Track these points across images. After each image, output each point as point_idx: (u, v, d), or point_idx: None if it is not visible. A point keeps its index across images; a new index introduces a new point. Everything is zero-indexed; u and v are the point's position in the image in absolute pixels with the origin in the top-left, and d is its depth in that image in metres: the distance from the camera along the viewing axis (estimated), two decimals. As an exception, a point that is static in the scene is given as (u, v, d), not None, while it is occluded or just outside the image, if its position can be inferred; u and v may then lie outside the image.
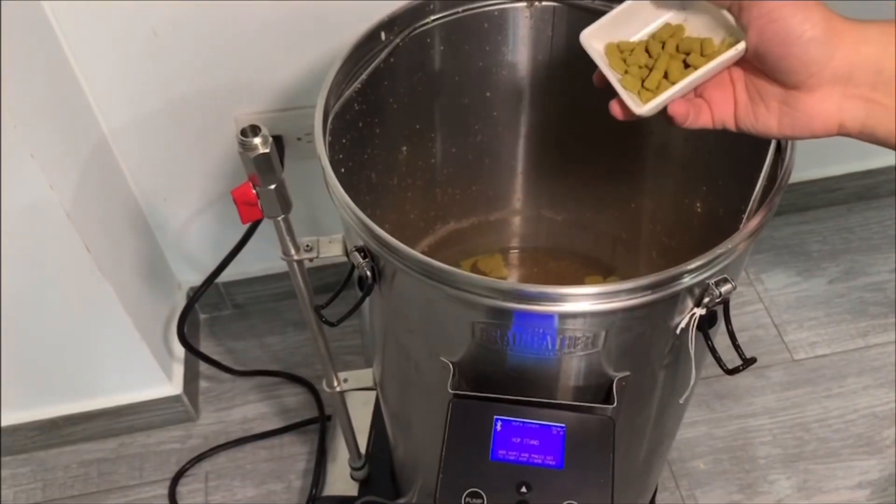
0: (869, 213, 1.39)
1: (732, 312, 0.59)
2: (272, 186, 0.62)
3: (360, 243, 0.60)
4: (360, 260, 0.60)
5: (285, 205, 0.64)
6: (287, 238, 0.68)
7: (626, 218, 0.92)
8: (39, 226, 0.86)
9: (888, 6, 1.11)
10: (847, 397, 1.17)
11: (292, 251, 0.69)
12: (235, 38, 0.93)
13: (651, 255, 0.91)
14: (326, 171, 0.59)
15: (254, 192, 0.62)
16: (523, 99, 0.84)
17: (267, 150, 0.59)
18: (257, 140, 0.59)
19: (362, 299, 0.63)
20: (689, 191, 0.80)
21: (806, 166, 1.33)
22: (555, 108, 0.85)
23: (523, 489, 0.58)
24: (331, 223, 1.18)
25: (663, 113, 0.55)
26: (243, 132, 0.58)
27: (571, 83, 0.82)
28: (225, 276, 1.22)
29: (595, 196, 0.93)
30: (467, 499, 0.57)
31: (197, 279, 1.21)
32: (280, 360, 1.25)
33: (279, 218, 0.65)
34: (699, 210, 0.80)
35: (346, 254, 0.67)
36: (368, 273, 0.60)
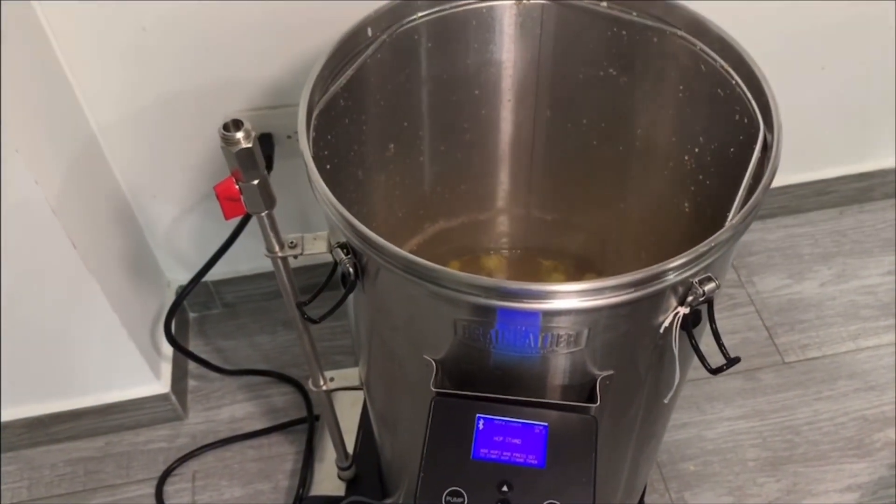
0: (861, 216, 1.39)
1: (724, 314, 0.59)
2: (255, 182, 0.62)
3: (343, 239, 0.60)
4: (343, 256, 0.60)
5: (269, 200, 0.64)
6: (271, 234, 0.67)
7: (615, 218, 0.91)
8: (25, 222, 0.86)
9: (888, 6, 1.11)
10: (837, 400, 1.17)
11: (276, 248, 0.69)
12: (225, 34, 0.92)
13: (640, 256, 0.91)
14: (308, 165, 0.59)
15: (236, 187, 0.62)
16: (512, 97, 0.84)
17: (249, 145, 0.59)
18: (240, 134, 0.58)
19: (345, 296, 0.62)
20: (676, 191, 0.80)
21: (799, 169, 1.33)
22: (544, 106, 0.85)
23: (504, 488, 0.57)
24: (322, 223, 1.17)
25: None
26: (225, 126, 0.58)
27: (560, 82, 0.82)
28: (215, 275, 1.22)
29: (584, 196, 0.93)
30: (448, 498, 0.57)
31: (186, 277, 1.20)
32: (269, 360, 1.24)
33: (262, 214, 0.65)
34: (687, 210, 0.80)
35: (331, 251, 0.67)
36: (351, 270, 0.60)
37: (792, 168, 1.32)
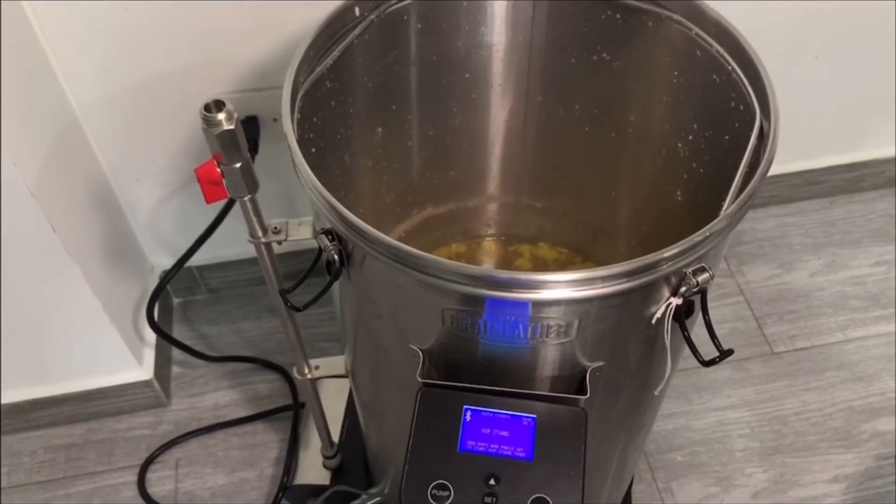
0: (852, 206, 1.39)
1: (713, 304, 0.57)
2: (237, 165, 0.60)
3: (328, 225, 0.58)
4: (327, 243, 0.58)
5: (252, 184, 0.62)
6: (254, 219, 0.66)
7: (607, 206, 0.90)
8: (3, 205, 0.84)
9: (888, 6, 1.10)
10: (825, 391, 1.17)
11: (259, 233, 0.67)
12: (209, 14, 0.90)
13: (631, 245, 0.90)
14: (292, 148, 0.57)
15: (218, 170, 0.60)
16: (503, 81, 0.82)
17: (231, 127, 0.57)
18: (221, 115, 0.56)
19: (329, 284, 0.61)
20: (669, 178, 0.79)
21: (790, 158, 1.32)
22: (535, 91, 0.83)
23: (492, 481, 0.56)
24: (308, 208, 1.15)
25: None
26: (207, 107, 0.56)
27: (552, 66, 0.80)
28: (199, 260, 1.20)
29: (575, 183, 0.91)
30: (434, 491, 0.56)
31: (170, 262, 1.18)
32: (254, 346, 1.22)
33: (245, 198, 0.63)
34: (680, 198, 0.79)
35: (315, 237, 0.65)
36: (336, 257, 0.58)
37: (783, 157, 1.30)
